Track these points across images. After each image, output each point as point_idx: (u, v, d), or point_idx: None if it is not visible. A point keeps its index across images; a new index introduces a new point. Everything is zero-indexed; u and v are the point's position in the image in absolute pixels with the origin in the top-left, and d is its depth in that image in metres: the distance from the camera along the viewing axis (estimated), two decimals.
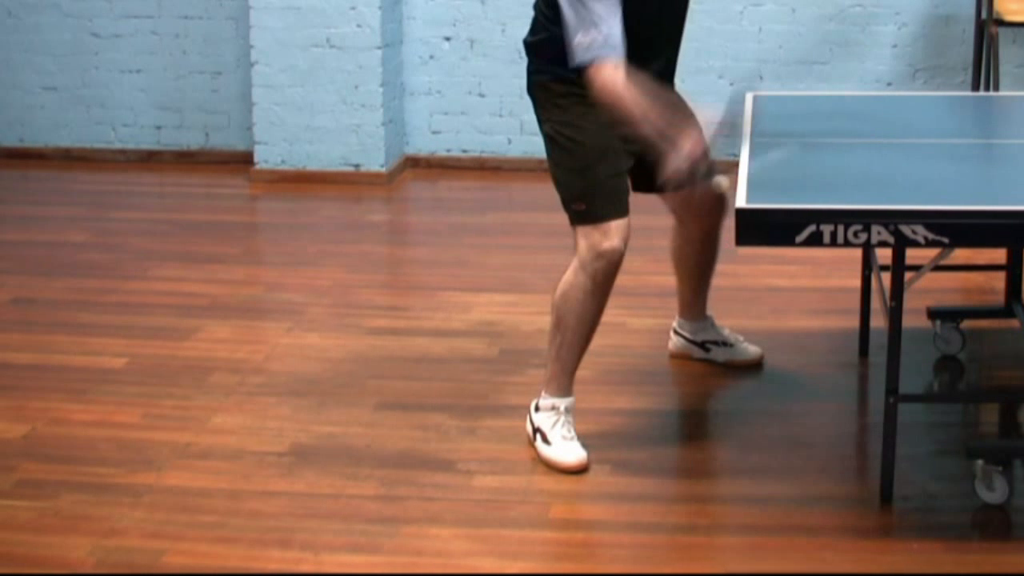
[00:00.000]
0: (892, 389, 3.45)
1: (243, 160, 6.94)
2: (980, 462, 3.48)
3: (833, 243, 3.17)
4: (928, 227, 3.16)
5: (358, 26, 6.61)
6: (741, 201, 3.26)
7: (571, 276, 3.74)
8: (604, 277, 3.70)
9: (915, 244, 3.18)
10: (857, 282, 4.45)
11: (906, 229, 3.16)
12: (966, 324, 4.43)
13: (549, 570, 3.35)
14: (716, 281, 4.40)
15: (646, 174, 3.91)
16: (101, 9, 7.07)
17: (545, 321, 3.88)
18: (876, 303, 4.09)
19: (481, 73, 6.89)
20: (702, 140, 3.54)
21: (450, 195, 6.71)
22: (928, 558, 3.27)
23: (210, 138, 7.16)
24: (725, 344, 4.38)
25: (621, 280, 3.77)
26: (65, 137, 7.25)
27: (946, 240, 3.19)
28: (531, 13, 3.81)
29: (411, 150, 7.04)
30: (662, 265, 4.37)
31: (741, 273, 5.16)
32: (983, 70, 6.28)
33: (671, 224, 4.22)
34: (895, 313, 3.41)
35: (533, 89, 3.82)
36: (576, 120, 3.71)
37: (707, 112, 3.67)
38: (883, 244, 3.20)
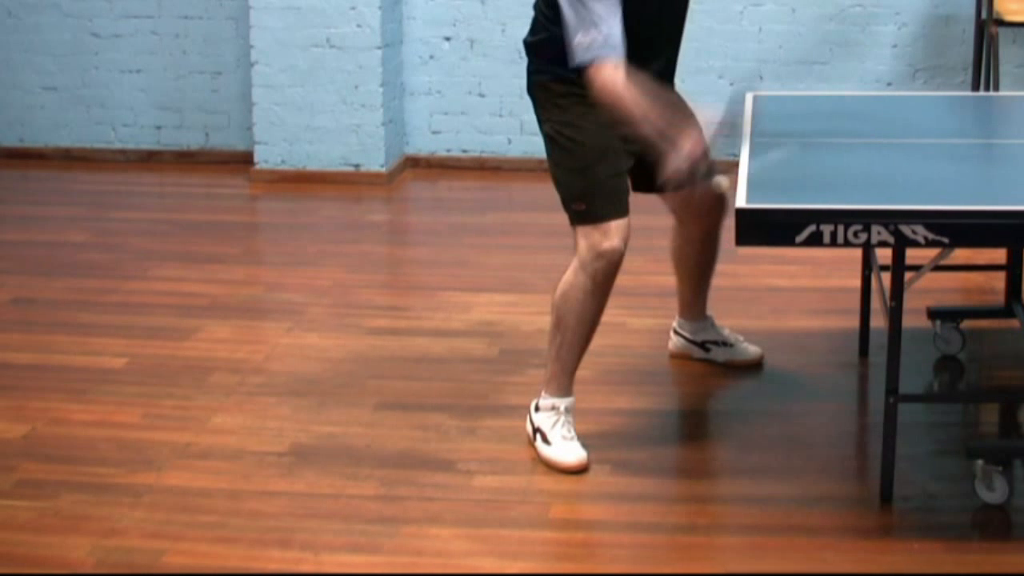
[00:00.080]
0: (892, 389, 3.45)
1: (243, 160, 6.94)
2: (980, 462, 3.48)
3: (833, 243, 3.17)
4: (928, 227, 3.16)
5: (358, 26, 6.62)
6: (741, 201, 3.26)
7: (571, 276, 3.74)
8: (604, 277, 3.70)
9: (915, 244, 3.18)
10: (857, 282, 4.45)
11: (906, 229, 3.16)
12: (966, 324, 4.43)
13: (549, 570, 3.35)
14: (716, 281, 4.40)
15: (646, 174, 3.91)
16: (101, 9, 7.07)
17: (545, 321, 3.88)
18: (876, 303, 4.09)
19: (481, 73, 6.89)
20: (702, 140, 3.54)
21: (450, 195, 6.71)
22: (928, 558, 3.27)
23: (210, 138, 7.16)
24: (725, 344, 4.38)
25: (621, 280, 3.77)
26: (65, 137, 7.25)
27: (946, 240, 3.19)
28: (531, 13, 3.81)
29: (411, 150, 7.04)
30: (662, 265, 4.37)
31: (741, 273, 5.16)
32: (983, 70, 6.28)
33: (671, 224, 4.22)
34: (895, 313, 3.41)
35: (533, 89, 3.82)
36: (576, 120, 3.71)
37: (707, 112, 3.67)
38: (883, 244, 3.20)
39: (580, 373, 3.87)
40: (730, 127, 3.72)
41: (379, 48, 6.63)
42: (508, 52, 6.70)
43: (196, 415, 4.10)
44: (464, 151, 7.00)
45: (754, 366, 4.37)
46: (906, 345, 3.46)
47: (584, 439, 3.78)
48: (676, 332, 4.43)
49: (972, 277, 5.04)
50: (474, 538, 3.39)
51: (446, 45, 6.90)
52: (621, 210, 3.70)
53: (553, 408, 3.81)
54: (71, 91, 7.19)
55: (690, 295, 4.33)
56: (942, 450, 3.81)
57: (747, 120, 4.07)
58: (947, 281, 4.86)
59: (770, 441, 3.89)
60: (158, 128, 7.18)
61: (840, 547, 3.33)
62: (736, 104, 4.08)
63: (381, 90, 6.67)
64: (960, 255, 4.31)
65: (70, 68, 7.16)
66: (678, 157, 3.48)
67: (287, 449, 3.87)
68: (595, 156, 3.71)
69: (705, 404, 4.29)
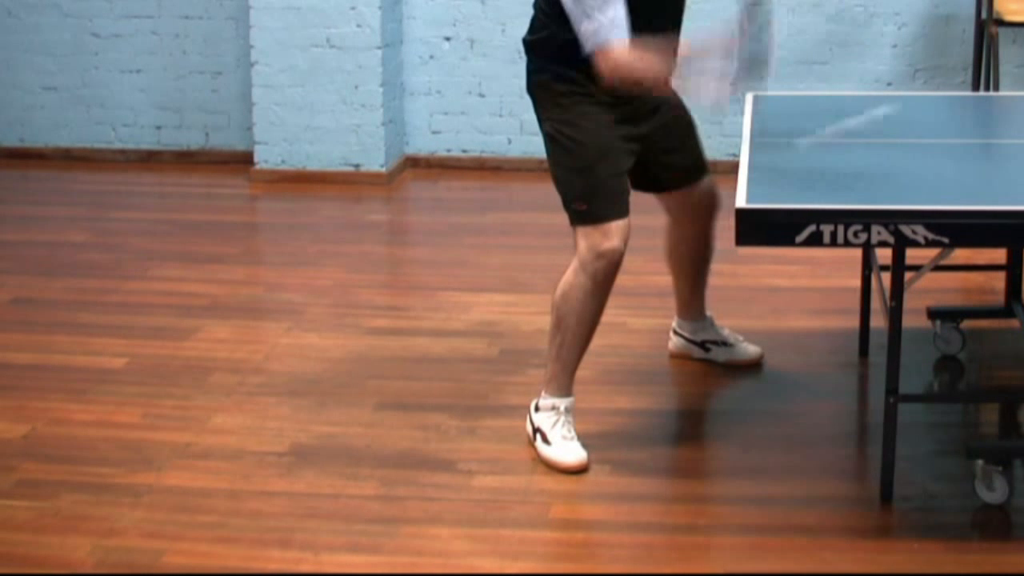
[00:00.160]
0: (892, 389, 3.45)
1: (243, 160, 6.94)
2: (980, 462, 3.48)
3: (833, 243, 3.17)
4: (928, 227, 3.16)
5: (358, 26, 6.62)
6: (741, 201, 3.26)
7: (571, 276, 3.74)
8: (604, 277, 3.70)
9: (915, 244, 3.18)
10: (857, 282, 4.45)
11: (906, 229, 3.16)
12: (966, 324, 4.43)
13: (549, 570, 3.35)
14: (716, 281, 4.40)
15: (646, 173, 3.92)
16: (101, 9, 7.07)
17: (545, 321, 3.87)
18: (876, 303, 4.09)
19: (481, 73, 6.89)
20: (718, 79, 3.54)
21: (450, 195, 6.71)
22: (928, 558, 3.27)
23: (210, 138, 7.16)
24: (725, 344, 4.38)
25: (621, 280, 3.77)
26: (65, 137, 7.25)
27: (946, 240, 3.19)
28: (531, 12, 3.80)
29: (411, 150, 7.04)
30: (662, 265, 4.37)
31: (741, 273, 5.17)
32: (983, 70, 6.28)
33: (664, 224, 4.22)
34: (895, 313, 3.41)
35: (533, 88, 3.81)
36: (577, 119, 3.71)
37: (722, 42, 3.62)
38: (883, 244, 3.20)
39: (580, 373, 3.87)
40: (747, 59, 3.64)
41: (379, 48, 6.63)
42: (508, 52, 6.70)
43: (196, 415, 4.10)
44: (464, 151, 7.00)
45: (754, 366, 4.38)
46: (906, 345, 3.46)
47: (584, 439, 3.78)
48: (676, 332, 4.43)
49: (972, 277, 5.04)
50: (474, 538, 3.39)
51: (446, 45, 6.90)
52: (621, 210, 3.70)
53: (553, 408, 3.81)
54: (71, 91, 7.19)
55: (688, 295, 4.33)
56: (942, 450, 3.81)
57: (747, 120, 4.07)
58: (947, 281, 4.86)
59: (770, 441, 3.88)
60: (158, 128, 7.18)
61: (840, 547, 3.33)
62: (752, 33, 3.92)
63: (381, 90, 6.67)
64: (960, 255, 4.31)
65: (70, 68, 7.16)
66: (700, 98, 3.50)
67: (287, 449, 3.87)
68: (596, 156, 3.71)
69: (705, 404, 4.29)
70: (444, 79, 6.93)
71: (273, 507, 3.56)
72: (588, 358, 3.88)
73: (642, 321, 4.70)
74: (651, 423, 4.06)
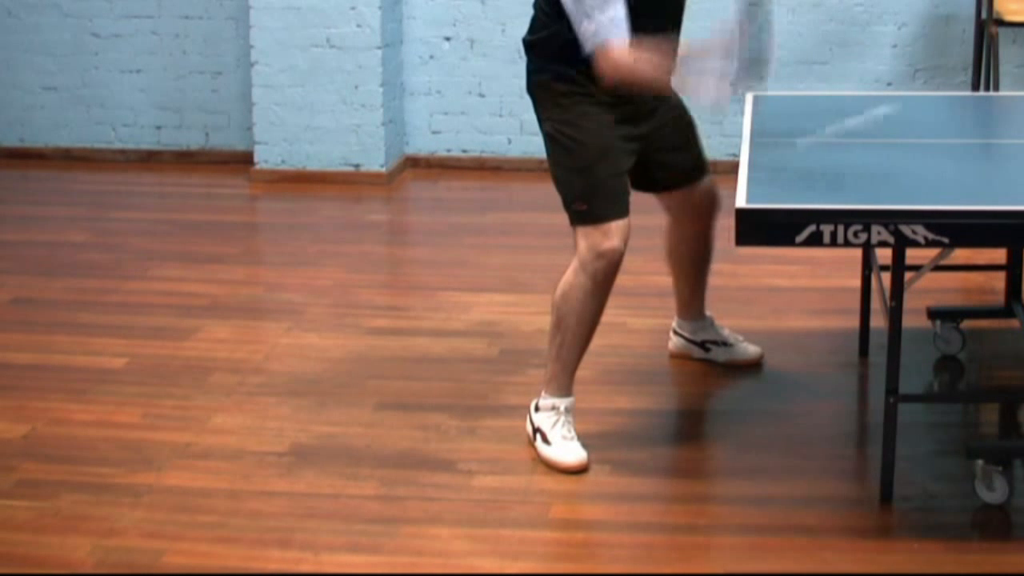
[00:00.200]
0: (892, 389, 3.44)
1: (243, 160, 6.95)
2: (980, 462, 3.48)
3: (833, 243, 3.17)
4: (928, 227, 3.16)
5: (358, 26, 6.62)
6: (741, 201, 3.26)
7: (571, 276, 3.74)
8: (604, 277, 3.70)
9: (915, 244, 3.18)
10: (857, 282, 4.45)
11: (906, 229, 3.16)
12: (966, 324, 4.43)
13: (549, 570, 3.35)
14: (716, 281, 4.40)
15: (646, 173, 3.92)
16: (101, 9, 7.07)
17: (545, 321, 3.87)
18: (876, 303, 4.09)
19: (481, 73, 6.89)
20: (718, 79, 3.54)
21: (450, 195, 6.71)
22: (928, 558, 3.27)
23: (210, 138, 7.16)
24: (725, 344, 4.38)
25: (621, 280, 3.77)
26: (65, 137, 7.25)
27: (946, 240, 3.19)
28: (531, 13, 3.80)
29: (411, 150, 7.04)
30: (662, 265, 4.37)
31: (741, 273, 5.17)
32: (983, 70, 6.28)
33: (664, 223, 4.22)
34: (895, 313, 3.41)
35: (533, 88, 3.81)
36: (577, 119, 3.71)
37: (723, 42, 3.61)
38: (883, 244, 3.20)
39: (580, 373, 3.87)
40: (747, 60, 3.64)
41: (379, 48, 6.63)
42: (508, 52, 6.70)
43: (196, 415, 4.10)
44: (464, 151, 7.00)
45: (754, 366, 4.38)
46: (906, 345, 3.46)
47: (584, 439, 3.78)
48: (676, 332, 4.43)
49: (972, 277, 5.04)
50: (474, 538, 3.39)
51: (446, 45, 6.90)
52: (622, 210, 3.71)
53: (553, 408, 3.81)
54: (71, 91, 7.19)
55: (688, 294, 4.33)
56: (942, 450, 3.81)
57: (747, 120, 4.07)
58: (947, 281, 4.86)
59: (770, 441, 3.88)
60: (158, 128, 7.18)
61: (840, 547, 3.33)
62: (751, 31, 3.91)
63: (381, 90, 6.67)
64: (960, 255, 4.31)
65: (70, 68, 7.16)
66: (700, 97, 3.52)
67: (287, 449, 3.87)
68: (596, 156, 3.71)
69: (705, 404, 4.29)
70: (444, 79, 6.93)
71: (273, 507, 3.56)
72: (588, 358, 3.88)
73: (642, 321, 4.70)
74: (651, 423, 4.06)
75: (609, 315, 3.84)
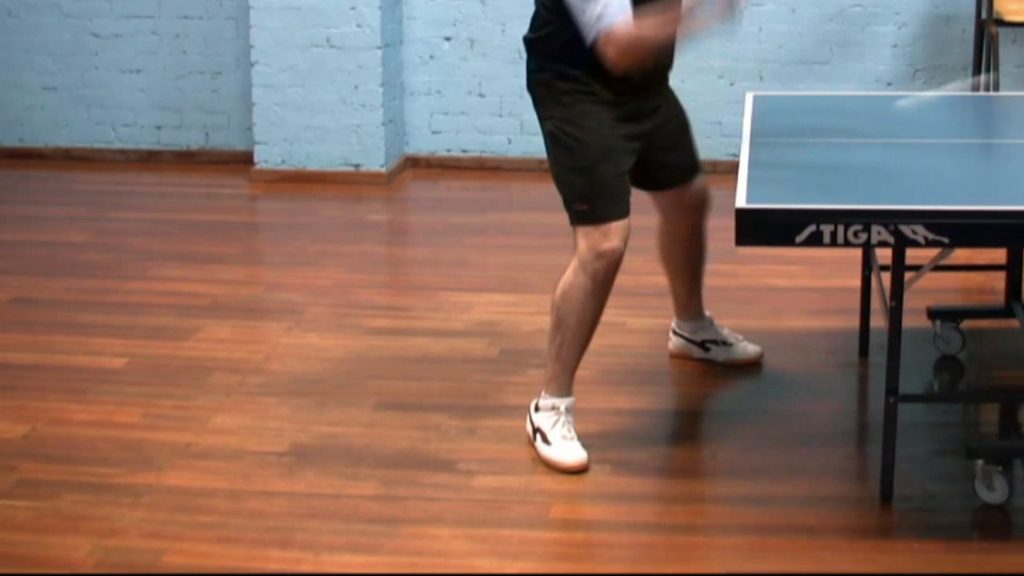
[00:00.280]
0: (892, 389, 3.44)
1: (243, 160, 6.95)
2: (980, 462, 3.48)
3: (833, 243, 3.17)
4: (928, 227, 3.16)
5: (358, 26, 6.62)
6: (741, 201, 3.26)
7: (571, 276, 3.74)
8: (604, 277, 3.70)
9: (915, 244, 3.18)
10: (857, 282, 4.45)
11: (906, 229, 3.16)
12: (966, 324, 4.43)
13: (549, 570, 3.35)
14: (716, 281, 4.40)
15: (645, 171, 3.92)
16: (101, 9, 7.07)
17: (545, 321, 3.87)
18: (876, 303, 4.09)
19: (481, 73, 6.89)
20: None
21: (450, 195, 6.71)
22: (928, 558, 3.27)
23: (210, 138, 7.16)
24: (724, 343, 4.38)
25: (621, 280, 3.77)
26: (65, 137, 7.25)
27: (946, 240, 3.19)
28: (531, 13, 3.80)
29: (411, 150, 7.04)
30: (660, 265, 4.37)
31: (741, 273, 5.17)
32: (983, 70, 6.28)
33: (655, 224, 4.21)
34: (895, 313, 3.41)
35: (534, 86, 3.80)
36: (579, 118, 3.70)
37: None
38: (883, 244, 3.20)
39: (580, 373, 3.87)
40: None
41: (379, 48, 6.63)
42: (508, 52, 6.70)
43: (196, 415, 4.10)
44: (464, 151, 7.00)
45: (754, 365, 4.37)
46: (906, 345, 3.46)
47: (584, 439, 3.78)
48: (675, 332, 4.43)
49: (972, 277, 5.04)
50: (474, 538, 3.39)
51: (446, 45, 6.90)
52: (622, 211, 3.70)
53: (553, 408, 3.81)
54: (71, 91, 7.19)
55: (685, 295, 4.33)
56: (942, 450, 3.81)
57: (747, 120, 4.08)
58: (947, 281, 4.86)
59: (770, 441, 3.88)
60: (158, 128, 7.18)
61: (840, 547, 3.33)
62: None
63: (381, 90, 6.67)
64: (960, 255, 4.31)
65: (70, 68, 7.16)
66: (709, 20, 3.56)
67: (287, 449, 3.87)
68: (597, 155, 3.71)
69: (705, 404, 4.29)
70: (444, 79, 6.93)
71: (273, 507, 3.56)
72: (588, 358, 3.88)
73: (642, 321, 4.70)
74: (651, 423, 4.06)
75: (609, 315, 3.84)
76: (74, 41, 7.12)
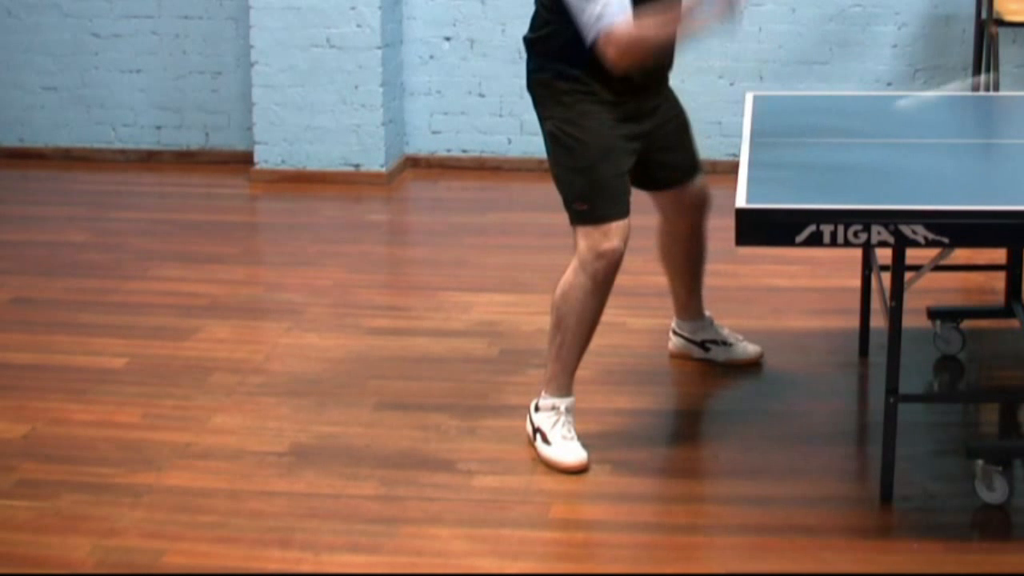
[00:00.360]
0: (892, 389, 3.44)
1: (243, 160, 6.95)
2: (980, 462, 3.48)
3: (833, 243, 3.17)
4: (928, 227, 3.16)
5: (358, 26, 6.62)
6: (741, 201, 3.26)
7: (571, 276, 3.74)
8: (604, 277, 3.70)
9: (915, 244, 3.18)
10: (857, 282, 4.45)
11: (906, 229, 3.16)
12: (966, 324, 4.43)
13: (549, 570, 3.35)
14: (716, 281, 4.40)
15: (645, 171, 3.92)
16: (101, 9, 7.07)
17: (545, 321, 3.87)
18: (876, 303, 4.09)
19: (481, 73, 6.89)
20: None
21: (450, 195, 6.71)
22: (928, 558, 3.27)
23: (210, 138, 7.16)
24: (724, 343, 4.38)
25: (621, 280, 3.77)
26: (65, 137, 7.25)
27: (946, 240, 3.19)
28: (531, 13, 3.80)
29: (411, 150, 7.04)
30: (660, 265, 4.37)
31: (741, 273, 5.17)
32: (983, 70, 6.28)
33: (656, 224, 4.21)
34: (895, 313, 3.41)
35: (534, 86, 3.80)
36: (579, 118, 3.70)
37: None
38: (883, 244, 3.20)
39: (580, 373, 3.87)
40: None
41: (379, 48, 6.63)
42: (508, 52, 6.70)
43: (196, 415, 4.10)
44: (464, 151, 7.00)
45: (754, 365, 4.37)
46: (906, 345, 3.46)
47: (584, 439, 3.78)
48: (675, 333, 4.43)
49: (972, 277, 5.04)
50: (474, 538, 3.39)
51: (446, 45, 6.90)
52: (622, 211, 3.70)
53: (553, 408, 3.81)
54: (71, 91, 7.19)
55: (685, 295, 4.32)
56: (942, 450, 3.81)
57: (747, 120, 4.08)
58: (947, 281, 4.86)
59: (770, 441, 3.88)
60: (158, 128, 7.18)
61: (840, 547, 3.33)
62: None
63: (381, 90, 6.67)
64: (960, 255, 4.31)
65: (70, 68, 7.16)
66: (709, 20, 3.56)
67: (287, 449, 3.87)
68: (598, 155, 3.70)
69: (705, 404, 4.29)
70: (444, 79, 6.93)
71: (273, 507, 3.56)
72: (588, 358, 3.88)
73: (642, 321, 4.70)
74: (651, 423, 4.06)
75: (609, 315, 3.84)
76: (74, 41, 7.12)
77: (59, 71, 7.17)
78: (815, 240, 3.17)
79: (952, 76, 6.58)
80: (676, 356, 4.43)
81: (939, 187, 3.50)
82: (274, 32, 6.67)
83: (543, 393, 3.84)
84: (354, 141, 6.73)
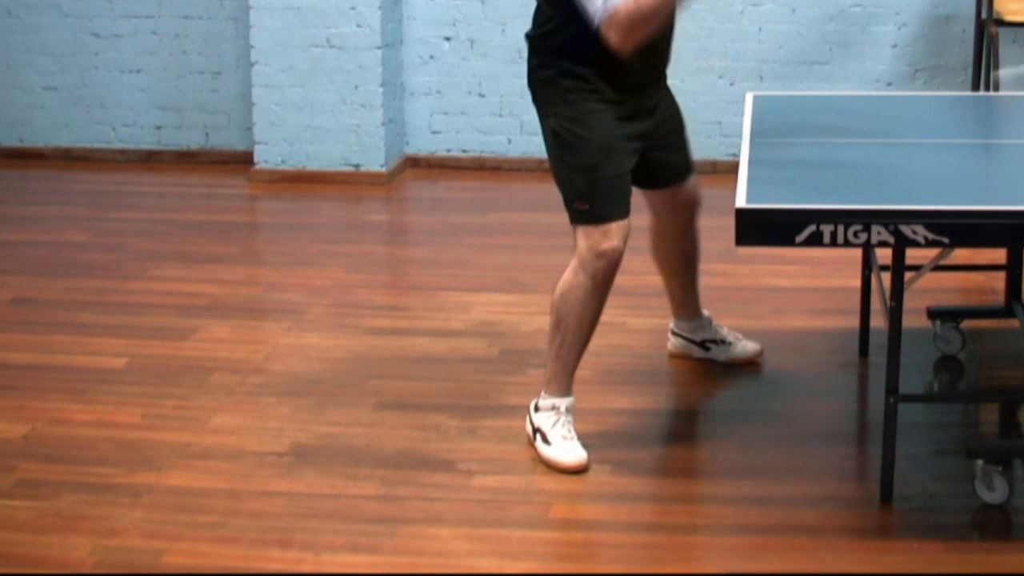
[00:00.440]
0: (892, 389, 3.44)
1: (243, 160, 6.95)
2: (980, 462, 3.48)
3: (833, 243, 3.17)
4: (928, 227, 3.16)
5: (358, 26, 6.62)
6: (741, 201, 3.26)
7: (571, 276, 3.74)
8: (604, 277, 3.70)
9: (915, 244, 3.18)
10: (857, 282, 4.45)
11: (906, 229, 3.16)
12: (966, 324, 4.43)
13: (549, 570, 3.35)
14: (716, 281, 4.40)
15: (643, 170, 3.92)
16: (101, 9, 7.07)
17: (545, 321, 3.87)
18: (876, 303, 4.09)
19: (481, 73, 6.89)
20: None
21: (450, 195, 6.71)
22: (928, 558, 3.27)
23: (210, 138, 7.16)
24: (724, 342, 4.38)
25: (621, 280, 3.77)
26: (65, 137, 7.25)
27: (946, 240, 3.19)
28: (531, 13, 3.79)
29: (411, 150, 7.04)
30: None
31: (741, 273, 5.17)
32: (983, 70, 6.28)
33: (648, 224, 4.21)
34: (895, 313, 3.41)
35: (536, 84, 3.78)
36: (583, 117, 3.69)
37: None
38: (883, 244, 3.20)
39: (580, 373, 3.87)
40: None
41: (379, 48, 6.63)
42: (508, 52, 6.70)
43: (196, 415, 4.10)
44: (464, 151, 7.00)
45: (754, 365, 4.37)
46: (906, 345, 3.46)
47: (584, 439, 3.78)
48: (674, 333, 4.43)
49: (972, 277, 5.04)
50: (474, 538, 3.39)
51: (446, 45, 6.91)
52: (623, 211, 3.70)
53: (553, 408, 3.81)
54: (71, 91, 7.19)
55: (680, 293, 4.32)
56: (942, 450, 3.81)
57: (747, 120, 4.08)
58: (947, 281, 4.86)
59: (770, 441, 3.88)
60: (158, 128, 7.18)
61: (840, 547, 3.33)
62: None
63: (381, 90, 6.67)
64: (960, 255, 4.31)
65: (70, 68, 7.16)
66: None
67: (287, 449, 3.87)
68: (600, 155, 3.70)
69: (705, 404, 4.29)
70: (444, 79, 6.93)
71: (273, 507, 3.56)
72: (588, 358, 3.88)
73: (642, 321, 4.70)
74: (651, 423, 4.06)
75: (609, 315, 3.84)
76: (74, 41, 7.12)
77: (59, 71, 7.17)
78: (815, 240, 3.17)
79: (952, 76, 6.59)
80: (676, 356, 4.43)
81: (939, 187, 3.50)
82: (274, 32, 6.67)
83: (543, 393, 3.84)
84: (354, 141, 6.73)
